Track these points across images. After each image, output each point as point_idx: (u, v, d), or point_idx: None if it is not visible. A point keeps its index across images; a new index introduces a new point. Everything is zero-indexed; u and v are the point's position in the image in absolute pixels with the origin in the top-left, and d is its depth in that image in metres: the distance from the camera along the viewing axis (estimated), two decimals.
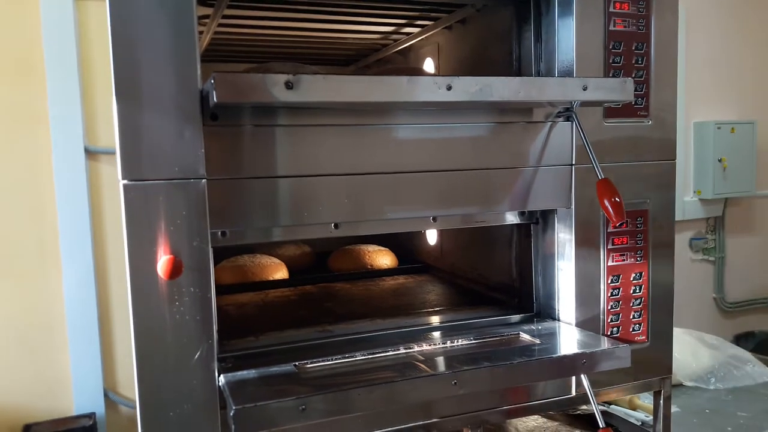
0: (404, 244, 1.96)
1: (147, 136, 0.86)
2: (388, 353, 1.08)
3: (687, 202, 3.35)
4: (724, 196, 3.41)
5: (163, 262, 0.86)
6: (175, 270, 0.85)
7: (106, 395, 2.09)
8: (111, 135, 2.03)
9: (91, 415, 1.98)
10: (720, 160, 3.32)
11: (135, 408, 2.10)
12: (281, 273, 1.73)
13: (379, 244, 1.93)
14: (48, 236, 2.00)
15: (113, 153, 2.02)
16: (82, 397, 2.05)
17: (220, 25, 1.43)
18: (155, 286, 0.88)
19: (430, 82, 0.92)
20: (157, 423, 0.91)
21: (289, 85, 0.81)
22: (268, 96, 0.81)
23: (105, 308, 2.10)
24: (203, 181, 0.90)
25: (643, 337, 1.29)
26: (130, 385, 2.16)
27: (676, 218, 1.35)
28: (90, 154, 2.03)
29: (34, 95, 1.96)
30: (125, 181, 0.86)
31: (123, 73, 0.85)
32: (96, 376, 2.06)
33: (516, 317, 1.30)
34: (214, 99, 0.79)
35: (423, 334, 1.20)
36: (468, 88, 0.94)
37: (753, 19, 3.43)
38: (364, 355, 1.06)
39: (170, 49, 0.87)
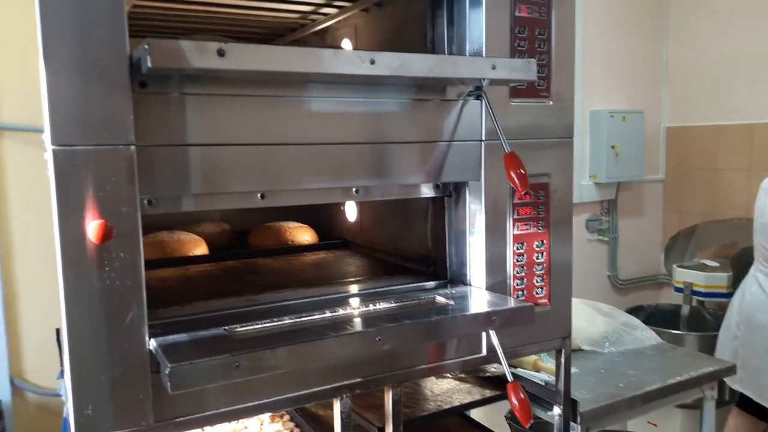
0: (324, 221, 2.00)
1: (76, 102, 0.87)
2: (314, 317, 1.13)
3: (583, 185, 3.58)
4: (617, 180, 3.68)
5: (93, 226, 0.87)
6: (105, 234, 0.86)
7: (11, 382, 2.02)
8: (15, 110, 1.94)
9: None
10: (613, 147, 3.57)
11: (42, 394, 2.05)
12: (201, 249, 1.73)
13: (299, 221, 1.97)
14: None
15: (19, 129, 1.94)
16: None
17: None
18: (84, 252, 0.89)
19: (354, 56, 0.98)
20: (88, 388, 0.92)
21: (221, 53, 0.84)
22: (201, 62, 0.84)
23: (10, 293, 2.01)
24: (132, 147, 0.92)
25: (545, 301, 1.40)
26: (36, 372, 2.09)
27: (574, 201, 1.46)
28: None
29: None
30: (54, 147, 0.86)
31: (51, 38, 0.85)
32: (1, 362, 1.98)
33: (431, 284, 1.38)
34: (148, 64, 0.81)
35: (345, 300, 1.26)
36: (390, 63, 1.00)
37: (642, 14, 3.71)
38: (292, 319, 1.10)
39: (99, 16, 0.87)
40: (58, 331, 1.82)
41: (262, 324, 1.08)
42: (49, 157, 0.87)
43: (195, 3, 1.54)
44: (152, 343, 0.96)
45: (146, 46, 0.81)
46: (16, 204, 1.98)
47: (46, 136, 0.88)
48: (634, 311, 3.30)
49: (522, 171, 1.15)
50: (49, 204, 0.90)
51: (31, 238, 2.00)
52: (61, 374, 1.63)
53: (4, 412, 1.91)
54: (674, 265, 3.47)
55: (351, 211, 1.88)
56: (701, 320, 3.35)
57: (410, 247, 1.57)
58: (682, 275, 3.37)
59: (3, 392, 1.97)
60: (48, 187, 0.90)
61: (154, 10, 1.59)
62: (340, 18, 1.70)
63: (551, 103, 1.36)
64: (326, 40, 1.85)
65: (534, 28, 1.31)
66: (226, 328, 1.04)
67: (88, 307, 0.91)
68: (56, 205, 0.87)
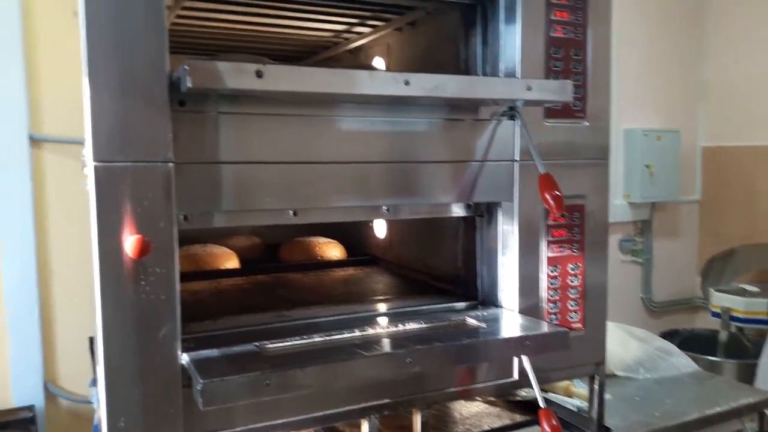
0: (353, 237, 2.01)
1: (118, 119, 0.89)
2: (344, 335, 1.13)
3: (617, 205, 3.52)
4: (651, 200, 3.61)
5: (131, 241, 0.88)
6: (143, 249, 0.88)
7: (45, 388, 2.05)
8: (57, 122, 1.99)
9: (30, 408, 1.95)
10: (647, 166, 3.50)
11: (75, 401, 2.08)
12: (232, 262, 1.75)
13: (328, 236, 1.98)
14: None
15: (59, 141, 1.99)
16: (22, 389, 2.01)
17: (178, 16, 1.45)
18: (122, 266, 0.91)
19: (389, 77, 0.98)
20: (121, 400, 0.93)
21: (259, 74, 0.86)
22: (239, 83, 0.85)
23: (46, 301, 2.06)
24: (170, 164, 0.93)
25: (580, 325, 1.37)
26: (70, 378, 2.13)
27: None
28: (34, 142, 1.98)
29: None
30: (96, 163, 0.88)
31: (95, 56, 0.87)
32: (36, 368, 2.03)
33: (461, 305, 1.37)
34: (188, 84, 0.83)
35: (374, 319, 1.26)
36: (425, 84, 1.00)
37: (678, 32, 3.66)
38: (322, 337, 1.10)
39: (141, 35, 0.90)
40: (91, 340, 1.85)
41: (292, 341, 1.08)
42: (89, 172, 0.89)
43: (231, 21, 1.57)
44: (185, 358, 0.97)
45: (186, 67, 0.83)
46: (54, 214, 2.03)
47: (87, 151, 0.90)
48: (668, 335, 3.21)
49: (557, 193, 1.13)
50: (86, 215, 0.92)
51: (66, 247, 2.05)
52: (93, 382, 1.66)
53: (38, 416, 1.95)
54: (711, 290, 3.37)
55: (380, 228, 1.88)
56: (740, 347, 3.24)
57: (440, 265, 1.56)
58: (720, 300, 3.28)
59: (37, 398, 2.01)
60: (86, 199, 0.92)
61: (191, 28, 1.63)
62: (373, 37, 1.72)
63: (587, 123, 1.34)
64: (359, 58, 1.87)
65: (569, 49, 1.30)
66: (257, 344, 1.05)
67: (124, 321, 0.92)
68: (95, 220, 0.89)
